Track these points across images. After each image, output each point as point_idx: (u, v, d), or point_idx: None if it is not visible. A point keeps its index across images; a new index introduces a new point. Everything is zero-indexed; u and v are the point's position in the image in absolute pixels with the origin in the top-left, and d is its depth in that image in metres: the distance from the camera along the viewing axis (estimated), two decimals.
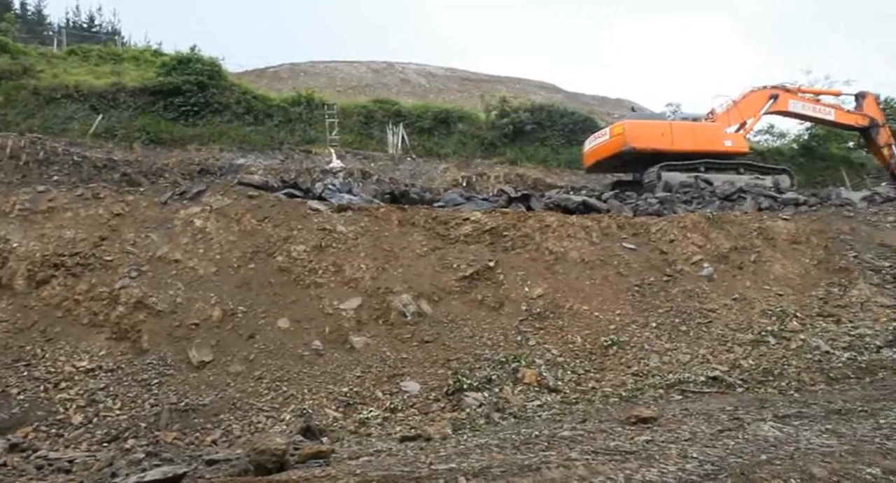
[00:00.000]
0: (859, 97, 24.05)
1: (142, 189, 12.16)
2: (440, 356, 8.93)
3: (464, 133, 28.17)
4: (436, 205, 13.65)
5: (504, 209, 12.91)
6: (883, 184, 23.39)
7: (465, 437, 6.81)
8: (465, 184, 23.31)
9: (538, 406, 8.02)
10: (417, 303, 9.80)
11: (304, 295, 9.71)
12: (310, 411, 7.72)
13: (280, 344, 8.86)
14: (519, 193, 15.06)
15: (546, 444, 6.19)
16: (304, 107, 26.67)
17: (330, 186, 13.94)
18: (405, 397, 8.19)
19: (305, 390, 8.14)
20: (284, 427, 7.36)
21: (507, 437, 6.56)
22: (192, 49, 26.13)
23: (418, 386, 8.39)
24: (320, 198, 12.68)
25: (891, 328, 10.62)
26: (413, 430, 7.16)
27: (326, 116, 26.17)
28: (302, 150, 25.00)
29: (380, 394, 8.20)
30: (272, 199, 11.48)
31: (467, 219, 11.56)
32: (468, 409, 7.86)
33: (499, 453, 5.84)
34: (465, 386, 8.26)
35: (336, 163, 22.92)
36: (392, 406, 7.95)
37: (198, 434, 7.27)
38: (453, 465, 5.30)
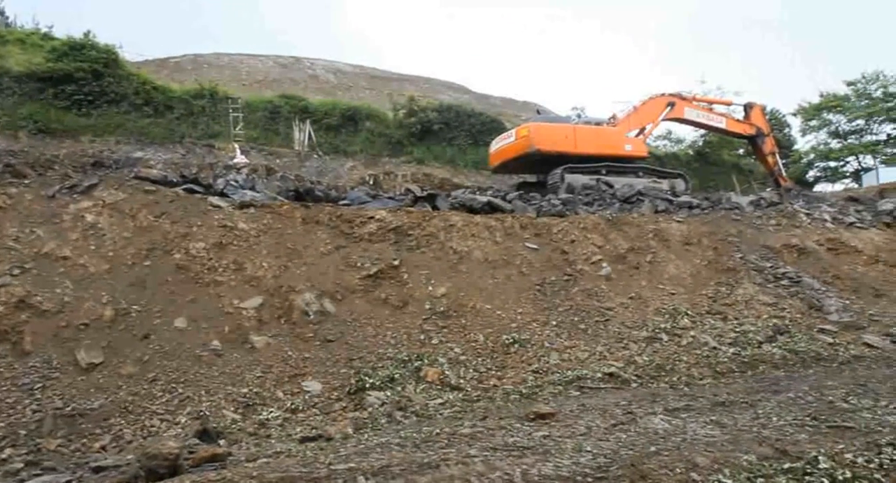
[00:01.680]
0: (748, 107, 25.45)
1: (27, 181, 11.45)
2: (343, 355, 8.86)
3: (371, 131, 28.08)
4: (341, 203, 13.50)
5: (409, 208, 12.92)
6: (768, 189, 24.90)
7: (366, 436, 6.79)
8: (371, 182, 23.23)
9: (440, 404, 8.07)
10: (320, 302, 9.69)
11: (202, 294, 9.42)
12: (207, 413, 7.49)
13: (176, 344, 8.55)
14: (425, 193, 15.10)
15: (446, 441, 6.24)
16: (207, 100, 25.92)
17: (232, 182, 13.58)
18: (307, 397, 8.07)
19: (203, 392, 7.89)
20: (180, 430, 7.11)
21: (408, 435, 6.58)
22: (87, 35, 24.81)
23: (320, 386, 8.29)
24: (222, 194, 12.31)
25: (771, 325, 11.30)
26: (314, 431, 7.08)
27: (230, 110, 25.52)
28: (204, 144, 24.28)
29: (281, 394, 8.05)
30: (170, 195, 11.08)
31: (372, 217, 11.52)
32: (370, 409, 7.83)
33: (399, 452, 5.85)
34: (367, 385, 8.22)
35: (240, 158, 22.38)
36: (293, 406, 7.82)
37: (85, 440, 6.91)
38: (353, 465, 5.28)
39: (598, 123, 22.26)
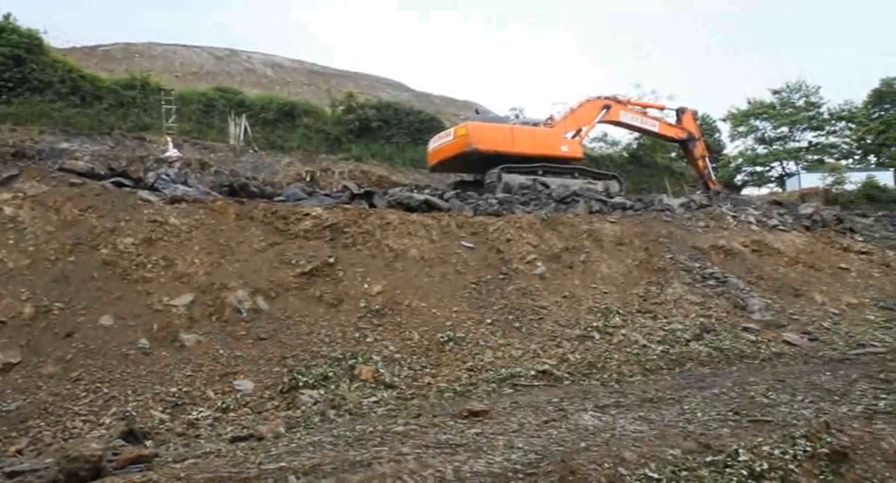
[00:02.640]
0: (679, 112, 26.13)
1: None
2: (276, 354, 8.73)
3: (309, 127, 27.73)
4: (276, 199, 13.33)
5: (346, 205, 12.84)
6: (698, 192, 25.63)
7: (298, 435, 6.72)
8: (308, 179, 22.96)
9: (374, 402, 8.05)
10: (254, 299, 9.53)
11: (130, 290, 9.14)
12: (133, 414, 7.27)
13: (102, 343, 8.28)
14: (362, 190, 15.04)
15: (379, 439, 6.23)
16: (138, 90, 25.15)
17: (164, 176, 13.22)
18: (238, 396, 7.92)
19: (129, 391, 7.66)
20: (104, 432, 6.88)
21: (340, 434, 6.55)
22: (7, 17, 23.68)
23: (252, 384, 8.15)
24: (152, 188, 11.99)
25: (698, 323, 11.67)
26: (245, 430, 6.97)
27: (163, 102, 24.82)
28: (135, 136, 23.55)
29: (211, 393, 7.88)
30: (97, 188, 10.72)
31: (308, 214, 11.39)
32: (303, 407, 7.75)
33: (331, 450, 5.81)
34: (300, 383, 8.14)
35: (172, 152, 21.79)
36: (224, 406, 7.67)
37: (0, 444, 6.64)
38: (283, 464, 5.22)
39: (535, 124, 22.49)
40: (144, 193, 11.08)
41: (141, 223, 10.11)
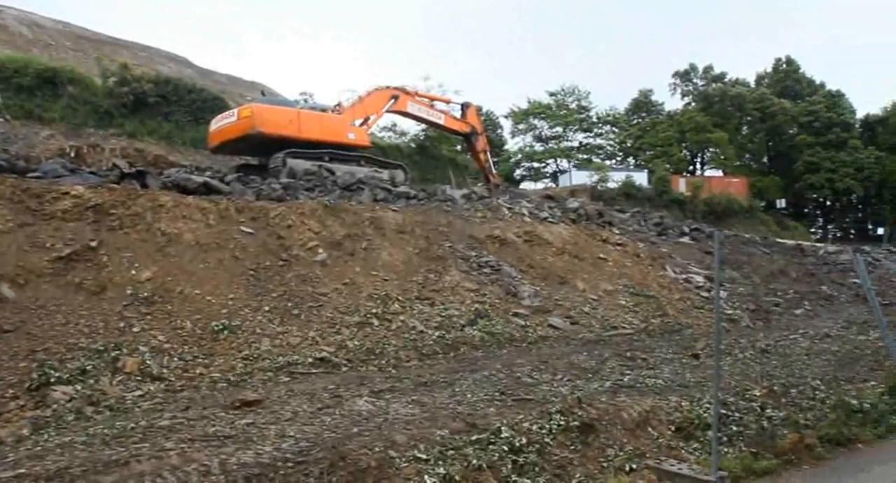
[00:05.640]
0: (464, 107, 27.26)
1: None
2: (23, 347, 7.86)
3: (75, 97, 25.09)
4: (30, 175, 11.96)
5: (113, 185, 11.85)
6: (479, 184, 26.91)
7: (46, 436, 6.18)
8: (73, 155, 20.83)
9: (139, 396, 7.60)
10: None
11: None
12: None
13: None
14: (133, 169, 13.97)
15: (141, 435, 5.91)
16: None
17: None
18: None
19: None
20: None
21: (97, 432, 6.11)
22: None
23: None
24: None
25: (473, 309, 12.29)
26: None
27: None
28: None
29: None
30: None
31: (67, 193, 10.36)
32: (55, 405, 7.10)
33: (83, 451, 5.40)
34: (52, 379, 7.43)
35: None
36: None
37: None
38: (22, 471, 4.76)
39: (323, 110, 22.29)
40: None
41: None
